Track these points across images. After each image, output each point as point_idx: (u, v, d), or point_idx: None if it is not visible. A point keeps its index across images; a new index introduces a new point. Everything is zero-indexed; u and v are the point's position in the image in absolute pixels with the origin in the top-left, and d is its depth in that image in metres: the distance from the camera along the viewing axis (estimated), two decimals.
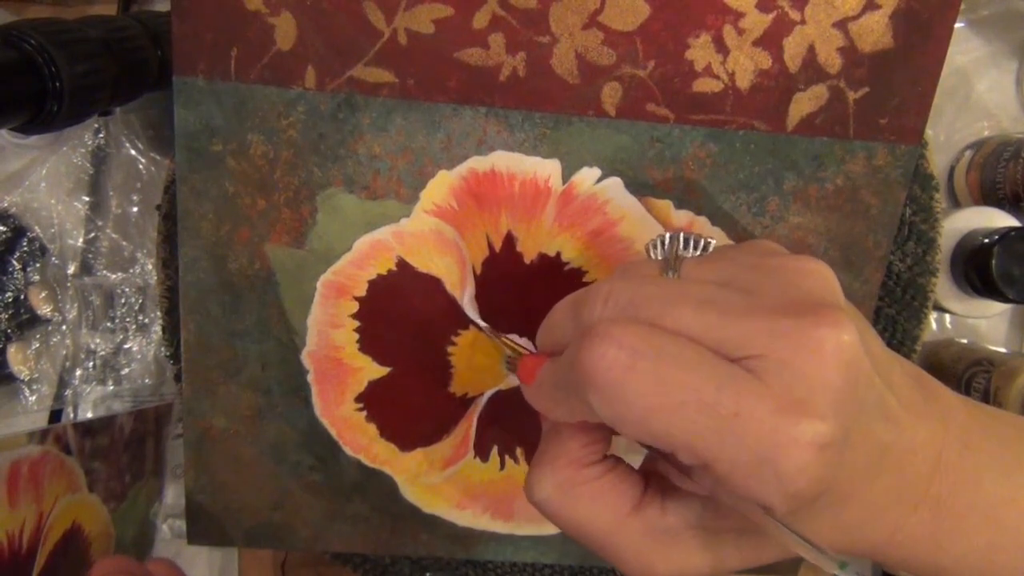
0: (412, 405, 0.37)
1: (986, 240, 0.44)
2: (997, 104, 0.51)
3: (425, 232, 0.34)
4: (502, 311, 0.35)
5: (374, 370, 0.36)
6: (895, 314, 0.39)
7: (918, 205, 0.38)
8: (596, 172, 0.34)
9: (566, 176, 0.34)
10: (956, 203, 0.52)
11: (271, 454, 0.37)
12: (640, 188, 0.34)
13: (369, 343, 0.36)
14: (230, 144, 0.33)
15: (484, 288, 0.35)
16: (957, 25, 0.45)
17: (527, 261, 0.35)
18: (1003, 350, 0.51)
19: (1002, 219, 0.47)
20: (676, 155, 0.33)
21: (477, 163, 0.33)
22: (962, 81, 0.51)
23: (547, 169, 0.33)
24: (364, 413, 0.37)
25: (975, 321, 0.52)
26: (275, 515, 0.38)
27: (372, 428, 0.37)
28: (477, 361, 0.36)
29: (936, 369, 0.50)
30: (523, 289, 0.35)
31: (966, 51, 0.51)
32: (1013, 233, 0.44)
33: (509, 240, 0.34)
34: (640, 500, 0.24)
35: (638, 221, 0.34)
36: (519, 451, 0.38)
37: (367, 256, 0.34)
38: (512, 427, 0.37)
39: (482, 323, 0.35)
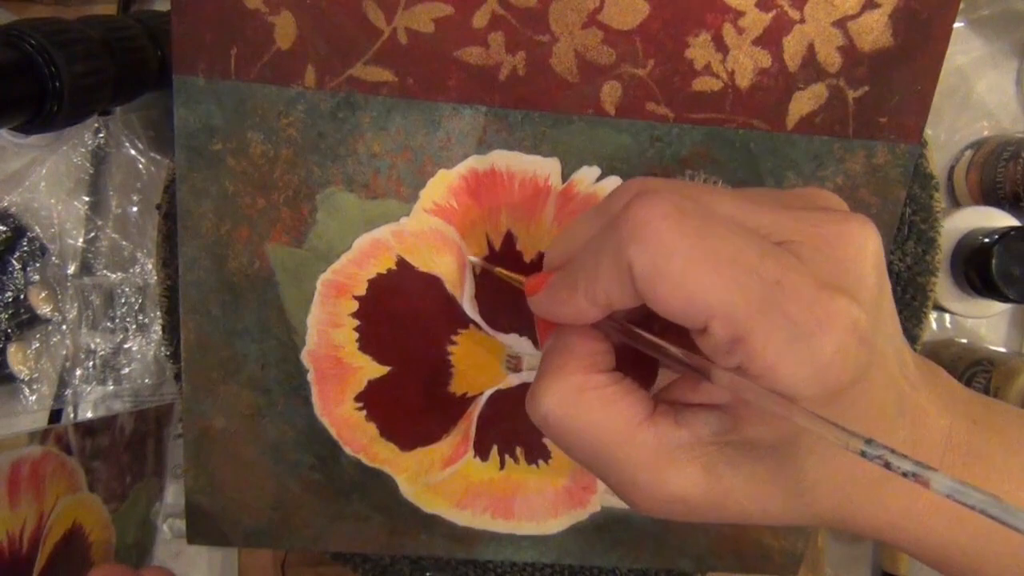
0: (412, 404, 0.37)
1: (986, 240, 0.44)
2: (997, 104, 0.51)
3: (425, 231, 0.34)
4: (502, 310, 0.35)
5: (374, 369, 0.36)
6: None
7: (918, 204, 0.38)
8: (596, 171, 0.34)
9: (566, 175, 0.34)
10: (956, 203, 0.52)
11: (271, 454, 0.37)
12: None
13: (369, 342, 0.36)
14: (230, 143, 0.33)
15: (484, 287, 0.35)
16: (957, 25, 0.45)
17: (527, 260, 0.35)
18: (1003, 350, 0.51)
19: (1002, 219, 0.47)
20: (676, 154, 0.33)
21: (477, 162, 0.33)
22: (962, 81, 0.51)
23: (547, 168, 0.33)
24: (364, 412, 0.37)
25: (975, 321, 0.52)
26: (275, 515, 0.38)
27: (372, 427, 0.37)
28: (477, 360, 0.36)
29: None
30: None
31: (966, 51, 0.51)
32: (1013, 233, 0.44)
33: (509, 239, 0.34)
34: (652, 412, 0.22)
35: None
36: (519, 450, 0.38)
37: (367, 255, 0.34)
38: (512, 426, 0.37)
39: (474, 259, 0.34)
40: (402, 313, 0.35)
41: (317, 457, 0.37)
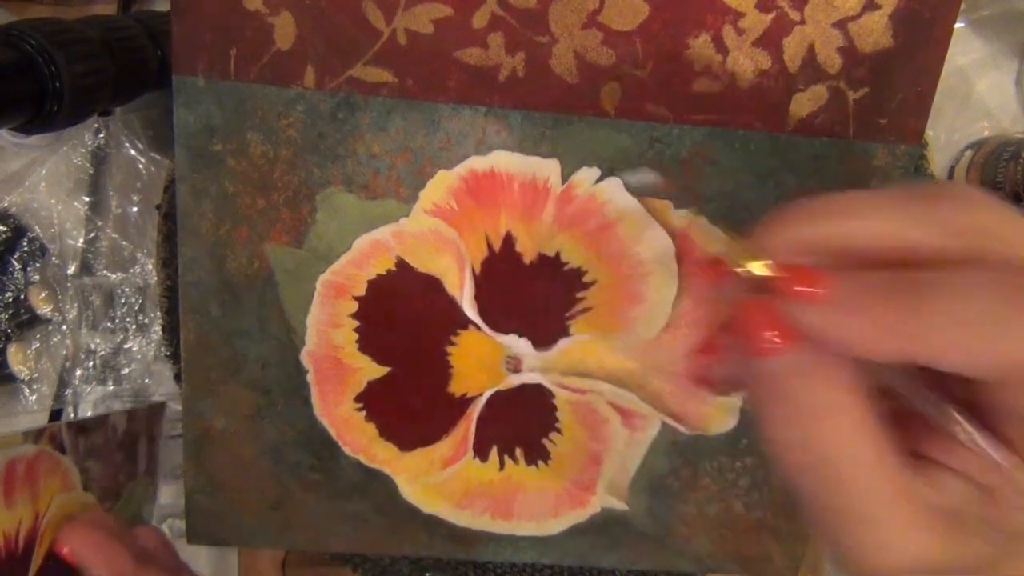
0: (412, 405, 0.37)
1: None
2: (997, 104, 0.51)
3: (424, 232, 0.34)
4: (501, 311, 0.35)
5: (374, 370, 0.36)
6: None
7: None
8: (595, 172, 0.34)
9: (565, 176, 0.34)
10: None
11: (271, 454, 0.37)
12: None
13: (368, 343, 0.36)
14: (230, 144, 0.33)
15: (483, 288, 0.35)
16: (957, 25, 0.45)
17: (526, 261, 0.35)
18: None
19: None
20: (675, 155, 0.33)
21: (476, 163, 0.33)
22: (962, 81, 0.51)
23: (546, 169, 0.33)
24: (364, 413, 0.37)
25: None
26: (275, 515, 0.38)
27: (372, 428, 0.37)
28: (477, 361, 0.36)
29: None
30: (522, 289, 0.35)
31: (966, 51, 0.51)
32: None
33: (508, 240, 0.34)
34: (907, 466, 0.20)
35: (637, 221, 0.34)
36: (519, 451, 0.38)
37: (366, 256, 0.34)
38: (511, 427, 0.37)
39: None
40: (402, 314, 0.35)
41: (317, 457, 0.37)
